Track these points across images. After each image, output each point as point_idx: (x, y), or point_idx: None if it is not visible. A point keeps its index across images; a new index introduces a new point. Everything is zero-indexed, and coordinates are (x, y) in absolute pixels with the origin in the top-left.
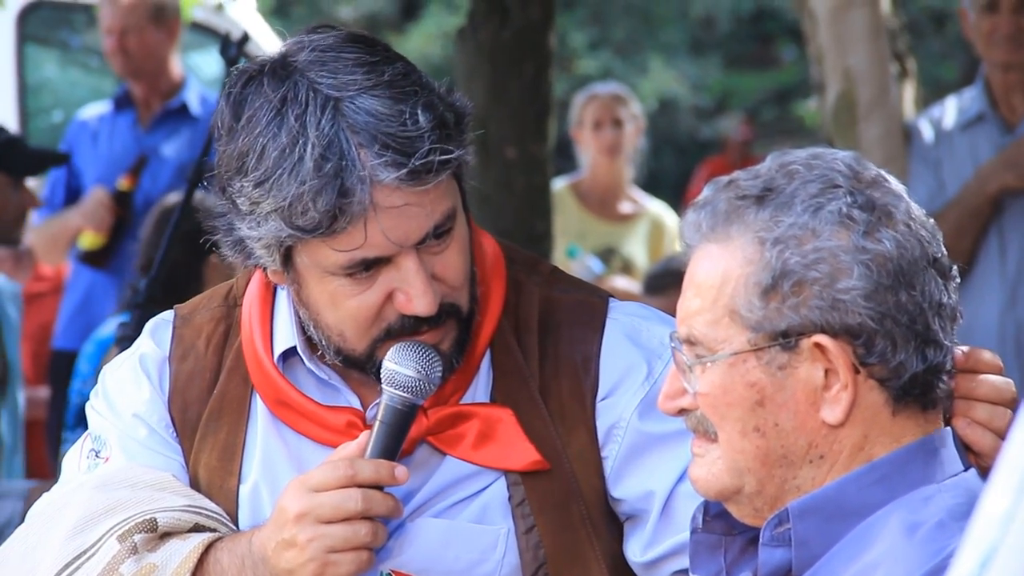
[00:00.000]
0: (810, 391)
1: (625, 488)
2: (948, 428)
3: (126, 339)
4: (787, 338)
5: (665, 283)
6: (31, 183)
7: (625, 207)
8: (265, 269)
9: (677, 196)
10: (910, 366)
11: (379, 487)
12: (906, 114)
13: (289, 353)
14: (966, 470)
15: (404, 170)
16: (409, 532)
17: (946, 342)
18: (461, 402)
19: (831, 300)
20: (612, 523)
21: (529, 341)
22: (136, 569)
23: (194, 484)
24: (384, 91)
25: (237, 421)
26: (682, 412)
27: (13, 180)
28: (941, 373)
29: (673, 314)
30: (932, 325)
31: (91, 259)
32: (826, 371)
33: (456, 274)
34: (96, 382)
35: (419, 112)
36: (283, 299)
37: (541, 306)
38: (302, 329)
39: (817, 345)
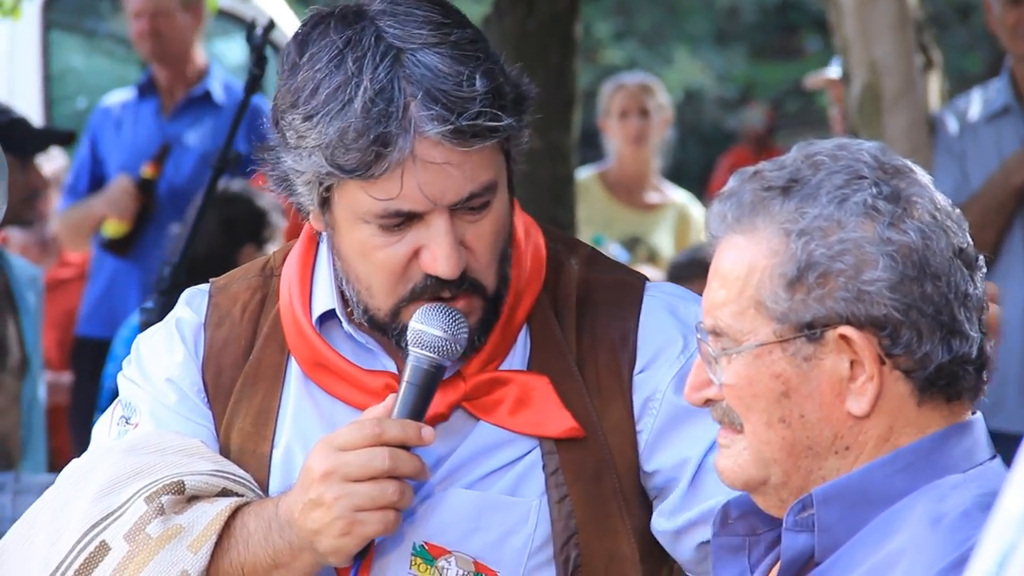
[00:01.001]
0: (835, 382)
1: (660, 459)
2: (975, 418)
3: (150, 325)
4: (812, 329)
5: (690, 272)
6: (55, 169)
7: (652, 197)
8: (305, 214)
9: (701, 186)
10: (936, 357)
11: (406, 447)
12: (931, 106)
13: (327, 320)
14: (992, 459)
15: (449, 126)
16: (442, 503)
17: (972, 333)
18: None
19: (856, 291)
20: (643, 500)
21: (567, 317)
22: (163, 530)
23: (225, 450)
24: (447, 50)
25: (272, 387)
26: (708, 403)
27: (20, 160)
28: (967, 364)
29: None
30: (958, 316)
31: (115, 247)
32: (851, 362)
33: (486, 249)
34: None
35: (477, 76)
36: (323, 266)
37: (580, 285)
38: (341, 294)
39: (842, 336)
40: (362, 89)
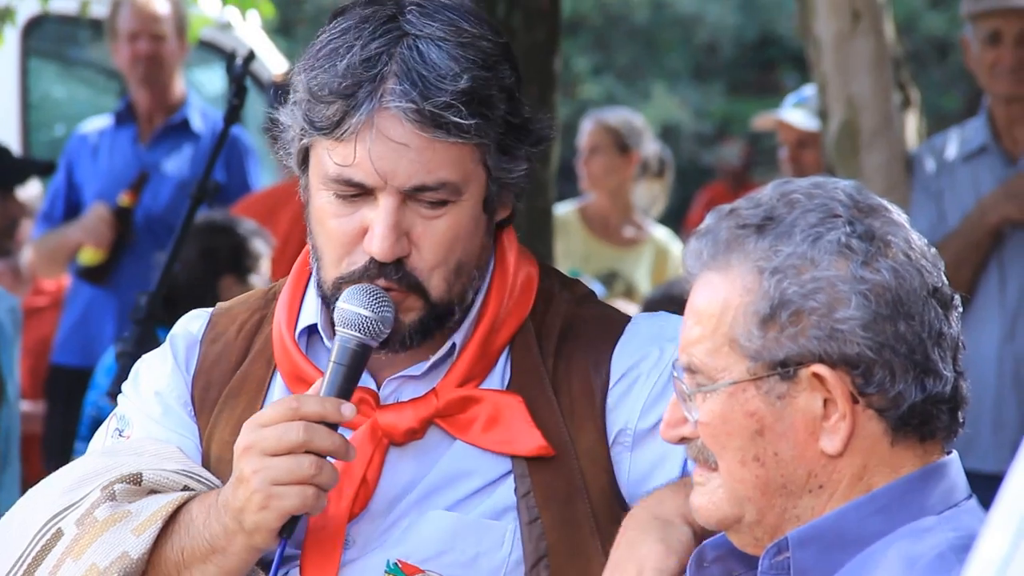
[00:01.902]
0: (809, 421)
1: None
2: (950, 458)
3: (125, 355)
4: (786, 367)
5: (663, 309)
6: (29, 196)
7: (629, 232)
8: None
9: (678, 221)
10: (909, 396)
11: (329, 425)
12: (908, 144)
13: (314, 335)
14: (968, 499)
15: (412, 105)
16: (418, 523)
17: (946, 372)
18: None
19: (829, 330)
20: (616, 524)
21: (549, 345)
22: (110, 514)
23: (207, 460)
24: (450, 48)
25: (254, 399)
26: (683, 440)
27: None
28: (941, 403)
29: None
30: (931, 355)
31: (90, 275)
32: (825, 401)
33: (433, 249)
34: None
35: (464, 76)
36: (313, 283)
37: (565, 317)
38: (327, 309)
39: (815, 375)
40: (351, 53)
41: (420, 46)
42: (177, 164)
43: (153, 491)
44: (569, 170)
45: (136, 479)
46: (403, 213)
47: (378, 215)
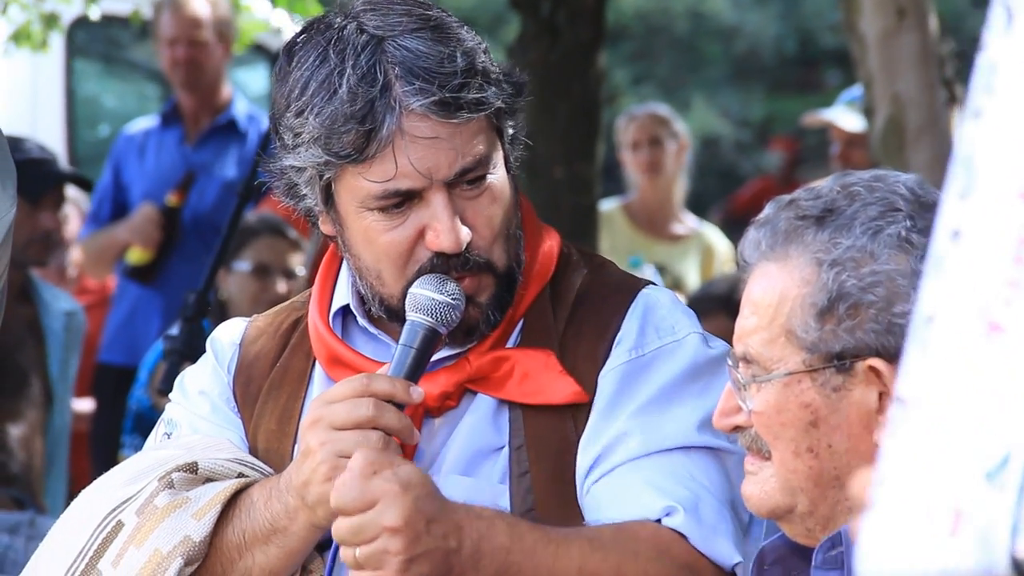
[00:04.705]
0: (864, 414)
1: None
2: None
3: (173, 352)
4: (842, 360)
5: (705, 307)
6: (71, 195)
7: (676, 228)
8: (315, 221)
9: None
10: None
11: (395, 404)
12: (954, 140)
13: (348, 319)
14: None
15: (433, 98)
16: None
17: None
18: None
19: (887, 324)
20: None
21: (562, 309)
22: (169, 501)
23: (253, 451)
24: (428, 34)
25: (296, 389)
26: (736, 429)
27: (29, 201)
28: None
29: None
30: None
31: (138, 274)
32: (880, 394)
33: (488, 224)
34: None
35: (458, 55)
36: (344, 271)
37: (583, 283)
38: (359, 292)
39: (872, 368)
40: (346, 77)
41: (404, 43)
42: (223, 164)
43: (209, 479)
44: (612, 169)
45: (192, 467)
46: (453, 202)
47: (435, 212)
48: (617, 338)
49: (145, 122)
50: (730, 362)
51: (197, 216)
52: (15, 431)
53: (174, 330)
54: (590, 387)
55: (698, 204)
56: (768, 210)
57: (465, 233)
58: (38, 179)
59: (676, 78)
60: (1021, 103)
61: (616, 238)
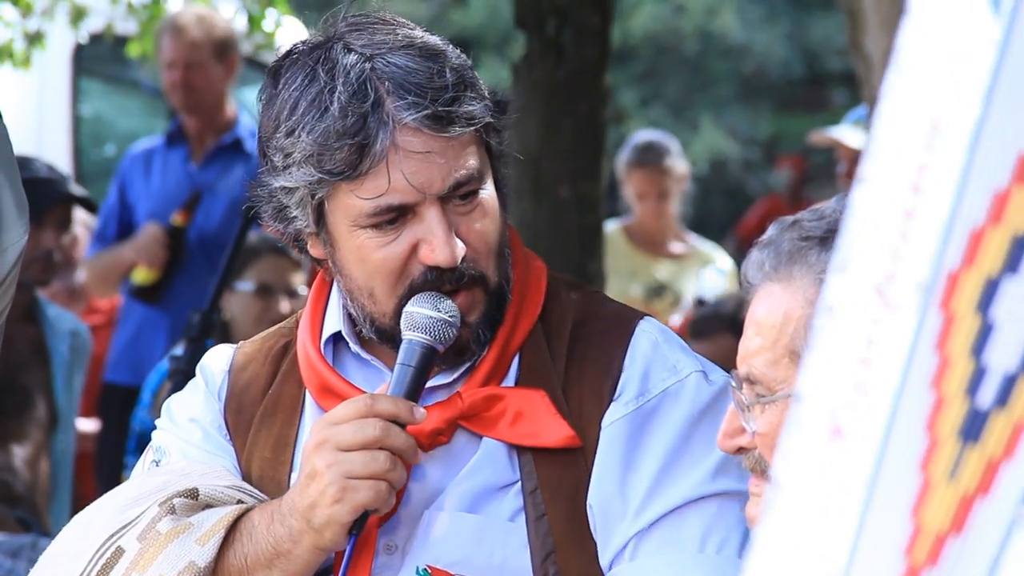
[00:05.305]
0: None
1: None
2: None
3: (179, 372)
4: None
5: (711, 328)
6: (87, 217)
7: (675, 247)
8: (303, 245)
9: (726, 238)
10: None
11: (399, 424)
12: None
13: (339, 345)
14: None
15: (426, 111)
16: (443, 527)
17: None
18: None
19: None
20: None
21: (559, 346)
22: (172, 526)
23: (247, 479)
24: (415, 51)
25: (290, 417)
26: (740, 451)
27: (30, 221)
28: None
29: (719, 360)
30: None
31: (143, 294)
32: None
33: (481, 239)
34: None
35: (447, 70)
36: (334, 296)
37: (576, 317)
38: (349, 316)
39: None
40: (337, 94)
41: (392, 60)
42: (229, 184)
43: (209, 505)
44: (613, 188)
45: (193, 493)
46: (447, 216)
47: (429, 227)
48: (621, 381)
49: (150, 141)
50: (734, 383)
51: (203, 236)
52: (20, 452)
53: (178, 350)
54: (595, 427)
55: (705, 224)
56: (772, 231)
57: (460, 247)
58: (41, 198)
59: (684, 99)
60: (886, 189)
61: (617, 259)
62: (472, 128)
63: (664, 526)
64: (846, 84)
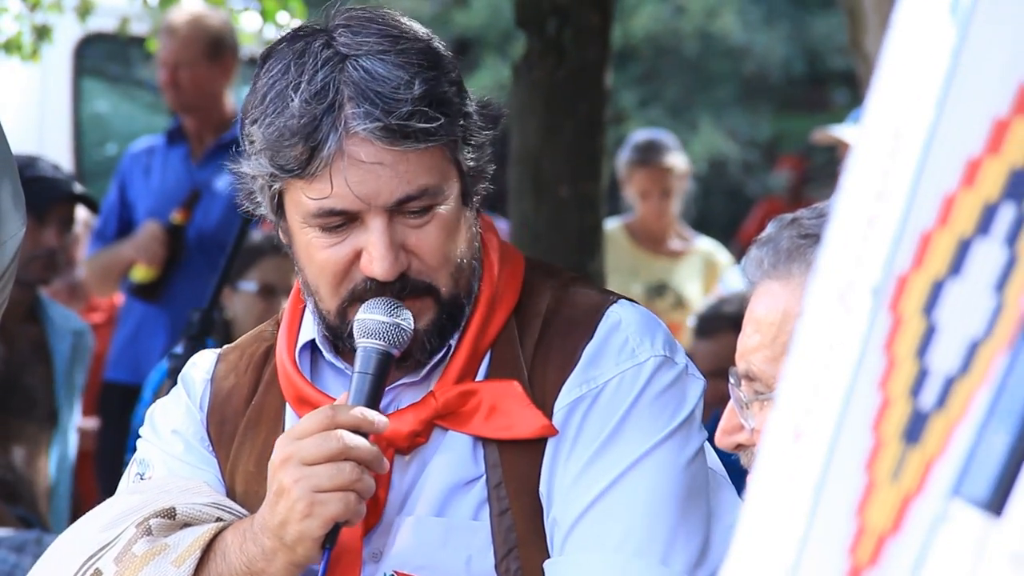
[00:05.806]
0: None
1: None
2: None
3: (178, 371)
4: None
5: (716, 327)
6: (88, 216)
7: (676, 244)
8: (276, 230)
9: (726, 240)
10: None
11: (361, 434)
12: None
13: (316, 355)
14: None
15: (378, 124)
16: (408, 531)
17: None
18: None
19: None
20: None
21: (530, 336)
22: (148, 548)
23: (231, 493)
24: (392, 58)
25: (273, 429)
26: (739, 448)
27: (34, 218)
28: None
29: (724, 359)
30: None
31: (143, 292)
32: None
33: (432, 252)
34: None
35: (416, 82)
36: (311, 308)
37: (549, 303)
38: (325, 327)
39: None
40: (300, 91)
41: (364, 64)
42: (229, 182)
43: (187, 524)
44: (613, 188)
45: (170, 513)
46: (394, 229)
47: (371, 238)
48: (579, 366)
49: (151, 140)
50: (732, 380)
51: (202, 234)
52: (21, 451)
53: (178, 349)
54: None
55: (705, 225)
56: (770, 228)
57: (400, 262)
58: (44, 196)
59: (684, 100)
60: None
61: (618, 257)
62: (427, 144)
63: (589, 518)
64: (847, 84)
